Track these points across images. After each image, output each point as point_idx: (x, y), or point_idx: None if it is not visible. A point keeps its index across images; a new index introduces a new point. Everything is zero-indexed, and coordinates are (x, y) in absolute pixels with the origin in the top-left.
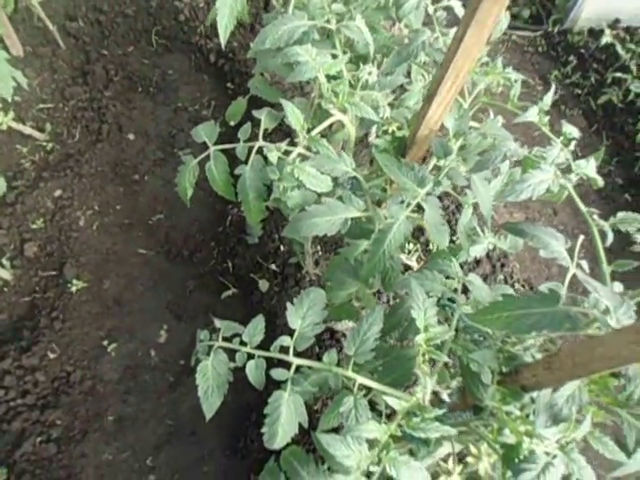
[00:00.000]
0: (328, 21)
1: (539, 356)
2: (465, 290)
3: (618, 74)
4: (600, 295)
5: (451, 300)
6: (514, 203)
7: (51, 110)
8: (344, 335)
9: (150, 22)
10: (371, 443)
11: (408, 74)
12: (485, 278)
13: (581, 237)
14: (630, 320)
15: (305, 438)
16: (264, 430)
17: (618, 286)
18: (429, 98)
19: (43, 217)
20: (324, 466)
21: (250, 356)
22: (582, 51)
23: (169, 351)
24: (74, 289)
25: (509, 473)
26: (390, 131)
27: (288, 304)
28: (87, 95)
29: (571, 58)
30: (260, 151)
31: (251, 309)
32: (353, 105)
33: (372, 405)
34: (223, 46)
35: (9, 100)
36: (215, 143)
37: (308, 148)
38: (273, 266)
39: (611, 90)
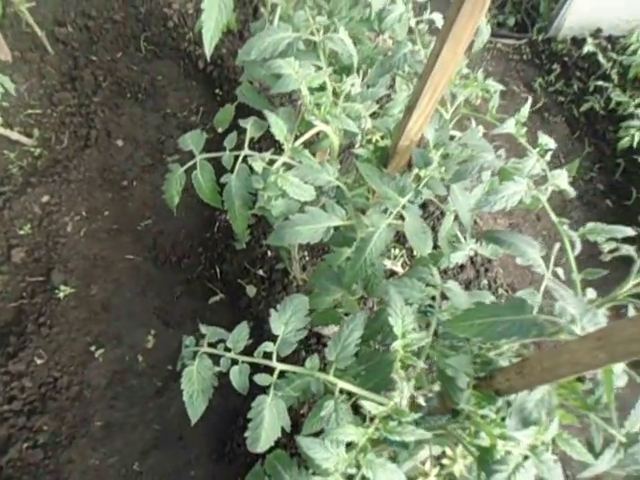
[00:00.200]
0: (312, 33)
1: (515, 361)
2: (447, 296)
3: (600, 82)
4: (567, 303)
5: (430, 307)
6: (498, 210)
7: (39, 116)
8: (331, 339)
9: (139, 28)
10: (351, 446)
11: (392, 83)
12: (469, 283)
13: (557, 245)
14: (594, 327)
15: (291, 442)
16: (247, 434)
17: (591, 292)
18: (409, 110)
19: (30, 223)
20: (309, 470)
21: (234, 362)
22: (565, 59)
23: (156, 356)
24: (61, 295)
25: (483, 475)
26: (374, 140)
27: (272, 310)
28: (75, 101)
29: (555, 66)
30: (246, 160)
31: (239, 314)
32: (334, 117)
33: (357, 409)
34: (208, 58)
35: None
36: (203, 150)
37: (293, 157)
38: (260, 272)
39: (593, 98)
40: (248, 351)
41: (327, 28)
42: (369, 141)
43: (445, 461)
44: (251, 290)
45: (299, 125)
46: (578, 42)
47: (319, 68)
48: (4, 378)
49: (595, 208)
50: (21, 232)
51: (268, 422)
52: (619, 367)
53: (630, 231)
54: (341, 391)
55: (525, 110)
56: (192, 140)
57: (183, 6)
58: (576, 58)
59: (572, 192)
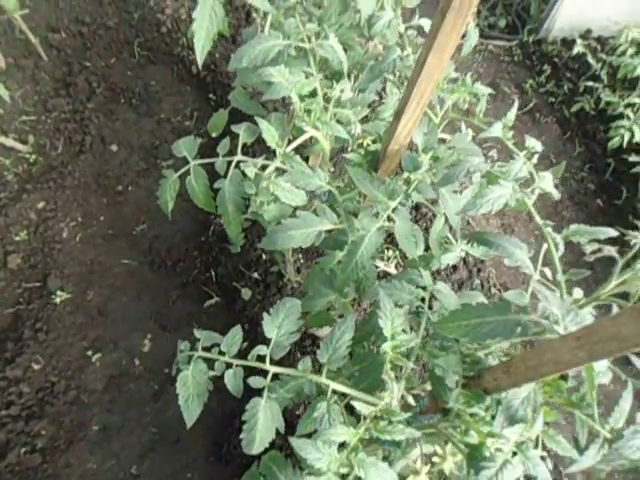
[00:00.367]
0: (303, 40)
1: (504, 359)
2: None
3: (590, 83)
4: (550, 303)
5: (420, 308)
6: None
7: (34, 122)
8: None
9: (132, 34)
10: (343, 446)
11: (384, 87)
12: (462, 283)
13: (544, 247)
14: (576, 327)
15: (287, 443)
16: (242, 436)
17: (578, 292)
18: (398, 115)
19: (26, 229)
20: (304, 470)
21: (229, 365)
22: (556, 60)
23: (153, 360)
24: (58, 300)
25: (472, 472)
26: (365, 144)
27: (265, 314)
28: (70, 107)
29: (545, 67)
30: (239, 165)
31: (234, 317)
32: (324, 124)
33: (352, 409)
34: (200, 67)
35: None
36: (196, 156)
37: (285, 162)
38: (255, 274)
39: (583, 98)
40: (244, 354)
41: (317, 35)
42: (360, 145)
43: (435, 459)
44: (246, 293)
45: (292, 129)
46: (568, 43)
47: (310, 75)
48: (2, 384)
49: (586, 207)
50: (17, 238)
51: (262, 424)
52: (603, 364)
53: (612, 232)
54: (334, 392)
55: (512, 114)
56: (185, 146)
57: (176, 12)
58: (566, 59)
59: (557, 195)
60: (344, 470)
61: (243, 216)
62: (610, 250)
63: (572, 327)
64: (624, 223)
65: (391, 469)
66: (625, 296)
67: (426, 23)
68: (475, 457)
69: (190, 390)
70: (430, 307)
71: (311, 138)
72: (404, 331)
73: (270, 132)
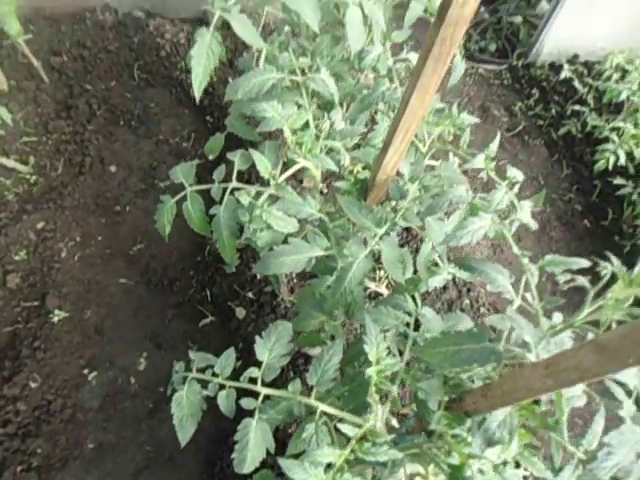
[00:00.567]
0: (296, 73)
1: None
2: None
3: (577, 107)
4: (523, 332)
5: (405, 333)
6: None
7: (35, 143)
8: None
9: (132, 57)
10: (330, 467)
11: (374, 115)
12: (451, 303)
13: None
14: (548, 354)
15: (277, 462)
16: (234, 455)
17: (557, 316)
18: (385, 147)
19: (26, 249)
20: None
21: (222, 386)
22: (544, 84)
23: (148, 378)
24: (56, 319)
25: None
26: (355, 171)
27: (257, 337)
28: (70, 129)
29: (534, 91)
30: (234, 192)
31: (228, 336)
32: (315, 157)
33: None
34: (197, 101)
35: None
36: (193, 181)
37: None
38: (250, 294)
39: (570, 122)
40: (237, 373)
41: (310, 67)
42: (351, 172)
43: (417, 479)
44: (240, 312)
45: (285, 157)
46: (556, 68)
47: (303, 106)
48: None
49: (574, 228)
50: (17, 258)
51: (253, 444)
52: (578, 388)
53: (585, 263)
54: (323, 413)
55: (494, 145)
56: (182, 172)
57: (175, 36)
58: (554, 83)
59: (534, 225)
60: None
61: (237, 241)
62: (582, 280)
63: (544, 354)
64: (610, 243)
65: None
66: (598, 323)
67: (414, 57)
68: (456, 478)
69: (184, 410)
70: (418, 328)
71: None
72: (391, 352)
73: (263, 163)
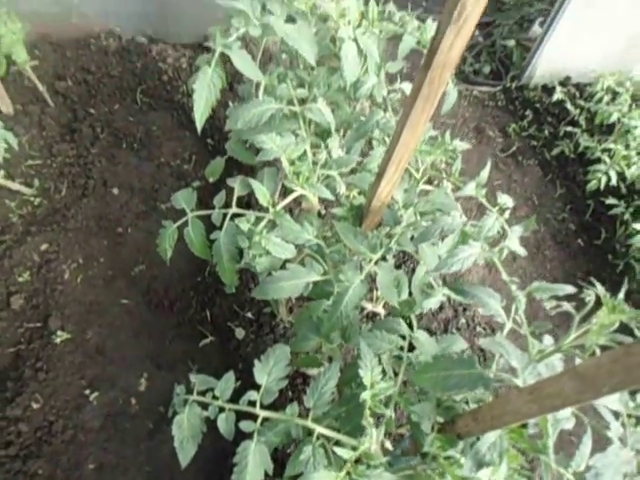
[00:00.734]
0: (293, 104)
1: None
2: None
3: (569, 128)
4: (510, 358)
5: (398, 357)
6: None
7: (39, 166)
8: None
9: (135, 82)
10: None
11: (370, 140)
12: (447, 322)
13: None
14: (534, 379)
15: None
16: (233, 478)
17: (548, 339)
18: (379, 177)
19: (29, 270)
20: None
21: (221, 409)
22: (537, 106)
23: (149, 399)
24: (58, 340)
25: None
26: (351, 196)
27: (256, 361)
28: (74, 152)
29: (527, 112)
30: (234, 217)
31: (228, 356)
32: (311, 186)
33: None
34: (199, 133)
35: (0, 160)
36: (194, 206)
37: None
38: (249, 314)
39: (563, 142)
40: (237, 392)
41: (307, 98)
42: (347, 197)
43: None
44: (240, 333)
45: (283, 182)
46: (549, 90)
47: (300, 135)
48: (1, 423)
49: (567, 247)
50: (20, 279)
51: (252, 466)
52: (566, 411)
53: (570, 289)
54: (321, 435)
55: (485, 172)
56: (184, 198)
57: (177, 60)
58: (547, 105)
59: (523, 252)
60: None
61: (237, 265)
62: (567, 307)
63: (530, 380)
64: (603, 262)
65: None
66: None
67: (407, 87)
68: None
69: (185, 432)
70: (414, 348)
71: None
72: (386, 374)
73: (262, 192)
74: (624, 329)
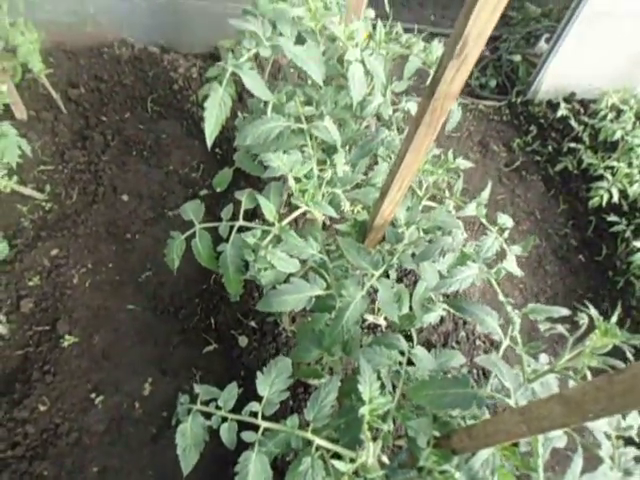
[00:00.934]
0: (301, 121)
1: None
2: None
3: (573, 144)
4: (504, 379)
5: (397, 372)
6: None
7: (51, 172)
8: (317, 389)
9: (146, 91)
10: None
11: (375, 156)
12: (447, 336)
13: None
14: (526, 400)
15: None
16: None
17: (544, 358)
18: (382, 196)
19: (39, 275)
20: None
21: (224, 419)
22: (542, 121)
23: (152, 404)
24: (66, 344)
25: None
26: (355, 211)
27: (258, 373)
28: (85, 158)
29: (532, 127)
30: (240, 230)
31: (231, 364)
32: (316, 204)
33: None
34: (209, 149)
35: (14, 166)
36: (202, 218)
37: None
38: (252, 323)
39: (567, 158)
40: (239, 400)
41: (314, 115)
42: (352, 211)
43: None
44: (243, 341)
45: (288, 200)
46: (553, 106)
47: (307, 151)
48: (9, 425)
49: (568, 262)
50: (30, 283)
51: (252, 475)
52: (558, 431)
53: (565, 311)
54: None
55: (485, 193)
56: (192, 210)
57: (188, 70)
58: (551, 120)
59: (520, 273)
60: None
61: (242, 277)
62: (561, 329)
63: (522, 401)
64: (604, 279)
65: None
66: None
67: (412, 106)
68: None
69: (188, 441)
70: (412, 363)
71: None
72: (384, 388)
73: (268, 207)
74: (616, 351)
